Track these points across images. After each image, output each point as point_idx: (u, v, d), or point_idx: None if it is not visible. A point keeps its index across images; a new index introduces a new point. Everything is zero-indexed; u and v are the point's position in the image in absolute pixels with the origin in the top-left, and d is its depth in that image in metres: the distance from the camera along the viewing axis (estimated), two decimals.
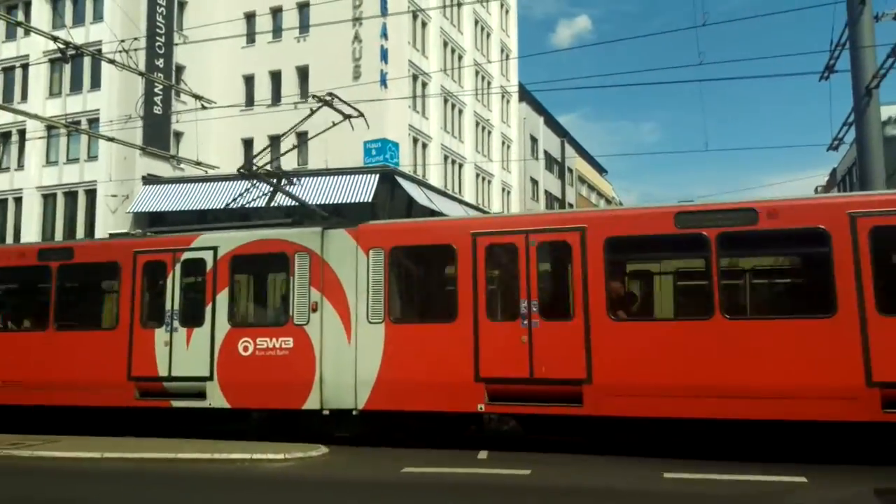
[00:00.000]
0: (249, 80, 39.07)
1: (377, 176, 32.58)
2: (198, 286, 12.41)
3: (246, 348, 11.84)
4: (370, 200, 31.25)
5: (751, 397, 9.51)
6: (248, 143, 38.36)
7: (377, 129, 34.86)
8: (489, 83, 50.01)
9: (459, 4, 44.97)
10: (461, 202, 41.73)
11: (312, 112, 13.64)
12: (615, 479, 9.02)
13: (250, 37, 39.17)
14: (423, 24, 40.56)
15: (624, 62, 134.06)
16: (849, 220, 9.51)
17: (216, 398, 11.92)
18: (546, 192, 57.44)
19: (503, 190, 52.26)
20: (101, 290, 13.76)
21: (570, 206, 58.30)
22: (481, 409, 10.66)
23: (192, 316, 12.24)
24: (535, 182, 55.84)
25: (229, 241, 12.31)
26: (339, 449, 11.10)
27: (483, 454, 10.64)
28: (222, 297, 12.09)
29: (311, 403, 11.44)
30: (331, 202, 31.17)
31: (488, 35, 50.79)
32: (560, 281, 11.09)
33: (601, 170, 77.26)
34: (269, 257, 12.18)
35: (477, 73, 47.73)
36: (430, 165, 40.07)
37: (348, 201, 31.22)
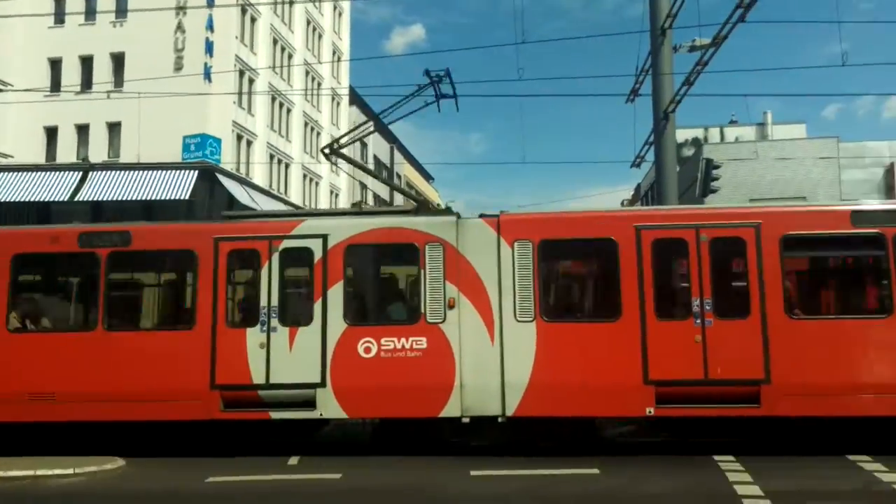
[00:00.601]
0: (56, 64, 35.86)
1: (196, 172, 31.04)
2: (302, 279, 10.90)
3: (368, 349, 10.38)
4: (187, 198, 29.71)
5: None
6: (51, 132, 35.24)
7: (198, 123, 33.35)
8: (319, 84, 49.37)
9: (291, 3, 44.07)
10: (286, 202, 40.84)
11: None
12: (423, 479, 9.11)
13: (59, 16, 36.04)
14: (253, 20, 39.28)
15: (456, 73, 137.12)
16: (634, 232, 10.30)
17: (329, 407, 10.34)
18: (375, 196, 57.61)
19: (331, 192, 51.78)
20: (168, 282, 11.97)
21: None
22: (650, 412, 10.04)
23: (295, 313, 10.72)
24: (364, 186, 55.84)
25: (343, 228, 10.78)
26: (141, 461, 10.32)
27: (294, 460, 10.32)
28: (335, 292, 10.54)
29: (450, 410, 10.21)
30: (144, 198, 29.38)
31: (320, 36, 50.17)
32: (734, 278, 10.76)
33: (428, 177, 78.74)
34: (393, 247, 10.94)
35: (307, 73, 46.97)
36: (255, 164, 38.83)
37: (164, 197, 29.50)
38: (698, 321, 10.05)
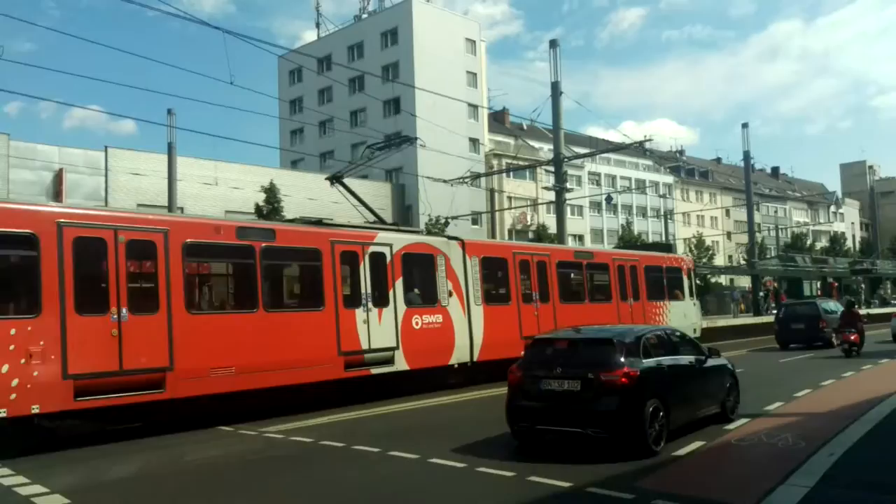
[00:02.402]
0: None
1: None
2: (382, 274, 14.92)
3: (417, 323, 15.46)
4: None
5: None
6: None
7: None
8: None
9: None
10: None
11: None
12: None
13: None
14: None
15: None
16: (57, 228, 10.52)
17: (400, 363, 14.94)
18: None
19: None
20: (300, 272, 14.87)
21: None
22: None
23: (380, 298, 14.75)
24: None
25: (399, 241, 15.63)
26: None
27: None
28: (399, 284, 15.20)
29: (451, 360, 16.15)
30: None
31: None
32: (147, 278, 11.75)
33: None
34: (423, 256, 16.06)
35: None
36: None
37: None
38: (115, 317, 10.87)
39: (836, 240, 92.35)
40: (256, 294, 12.81)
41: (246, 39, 17.51)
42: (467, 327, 16.51)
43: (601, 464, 8.34)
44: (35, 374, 9.89)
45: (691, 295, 25.04)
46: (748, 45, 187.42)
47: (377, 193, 54.78)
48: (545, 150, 61.10)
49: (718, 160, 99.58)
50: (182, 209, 34.52)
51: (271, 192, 40.03)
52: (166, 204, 32.45)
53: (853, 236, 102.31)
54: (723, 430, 10.09)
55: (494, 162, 60.90)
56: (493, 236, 37.91)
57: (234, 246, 12.75)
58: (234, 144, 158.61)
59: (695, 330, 23.48)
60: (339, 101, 61.07)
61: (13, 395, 9.71)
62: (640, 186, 73.73)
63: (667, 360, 9.58)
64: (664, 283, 23.50)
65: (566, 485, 7.34)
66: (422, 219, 45.66)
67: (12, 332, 9.84)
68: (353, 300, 14.31)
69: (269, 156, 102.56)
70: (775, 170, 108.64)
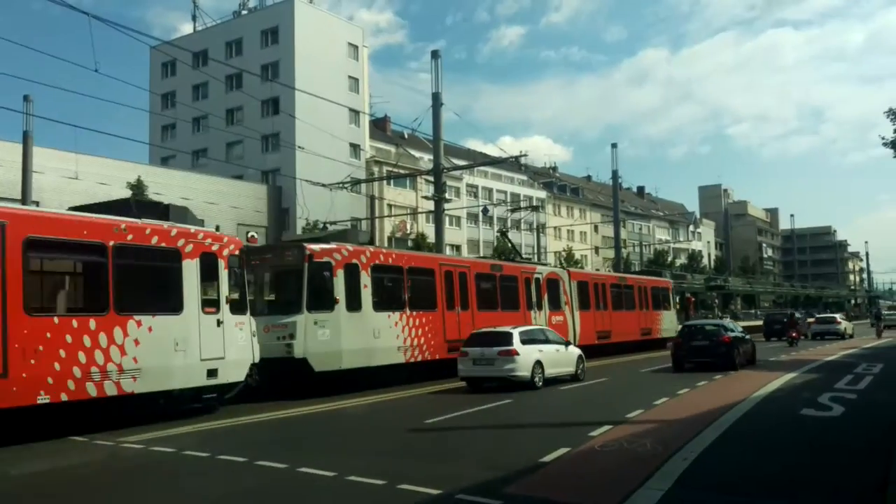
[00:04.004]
0: None
1: None
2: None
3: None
4: None
5: None
6: None
7: None
8: None
9: None
10: None
11: None
12: None
13: None
14: None
15: None
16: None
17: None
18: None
19: None
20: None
21: None
22: None
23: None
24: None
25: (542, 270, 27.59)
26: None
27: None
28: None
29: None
30: None
31: None
32: None
33: None
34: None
35: None
36: None
37: None
38: None
39: (694, 257, 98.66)
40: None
41: (114, 26, 16.49)
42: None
43: (471, 470, 8.42)
44: None
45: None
46: (620, 69, 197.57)
47: (252, 195, 53.35)
48: (425, 159, 61.51)
49: (589, 178, 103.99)
50: (38, 203, 32.18)
51: (139, 188, 38.10)
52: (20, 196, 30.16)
53: (709, 254, 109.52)
54: (587, 436, 10.43)
55: (375, 169, 60.72)
56: (373, 244, 37.75)
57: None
58: (99, 137, 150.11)
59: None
60: (214, 97, 59.01)
61: None
62: (515, 200, 75.76)
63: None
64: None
65: (436, 492, 7.34)
66: (299, 223, 44.82)
67: None
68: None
69: (139, 151, 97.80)
70: (641, 189, 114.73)
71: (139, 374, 12.01)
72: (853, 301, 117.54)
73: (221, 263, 13.75)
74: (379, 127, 69.65)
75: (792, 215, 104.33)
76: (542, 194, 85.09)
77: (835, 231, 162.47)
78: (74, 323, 11.31)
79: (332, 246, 17.74)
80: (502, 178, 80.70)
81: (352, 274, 17.76)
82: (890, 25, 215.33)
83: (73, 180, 39.41)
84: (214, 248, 13.67)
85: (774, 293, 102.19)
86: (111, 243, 11.89)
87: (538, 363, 17.44)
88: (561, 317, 27.14)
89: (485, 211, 55.11)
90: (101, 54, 62.51)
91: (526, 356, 17.20)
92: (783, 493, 7.53)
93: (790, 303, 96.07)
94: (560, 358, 18.69)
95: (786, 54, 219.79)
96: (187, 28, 71.50)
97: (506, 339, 17.33)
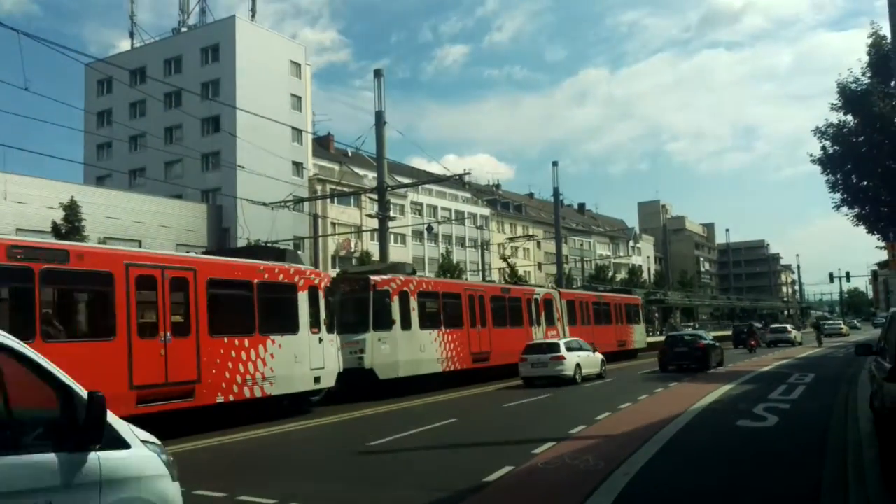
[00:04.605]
0: None
1: None
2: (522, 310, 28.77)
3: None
4: None
5: None
6: None
7: None
8: None
9: None
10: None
11: None
12: None
13: None
14: None
15: None
16: None
17: None
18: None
19: None
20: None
21: None
22: None
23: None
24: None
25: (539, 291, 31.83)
26: None
27: None
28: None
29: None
30: None
31: None
32: None
33: None
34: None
35: None
36: None
37: None
38: None
39: (634, 272, 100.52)
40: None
41: (45, 43, 15.92)
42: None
43: (415, 491, 8.39)
44: None
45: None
46: (561, 88, 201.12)
47: (191, 214, 52.33)
48: (370, 177, 61.42)
49: (531, 195, 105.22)
50: None
51: (71, 209, 36.96)
52: None
53: (648, 269, 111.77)
54: (530, 454, 10.49)
55: (318, 187, 60.30)
56: (316, 263, 37.46)
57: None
58: (29, 156, 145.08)
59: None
60: (152, 115, 57.77)
61: None
62: (460, 217, 76.12)
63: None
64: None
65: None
66: (240, 242, 44.10)
67: None
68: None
69: (75, 171, 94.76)
70: (581, 206, 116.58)
71: (274, 380, 15.47)
72: (786, 312, 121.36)
73: (320, 294, 17.30)
74: (322, 145, 69.22)
75: (727, 230, 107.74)
76: (486, 211, 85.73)
77: (768, 245, 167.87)
78: (236, 342, 14.79)
79: (389, 277, 21.75)
80: (447, 196, 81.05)
81: (404, 299, 21.70)
82: (816, 47, 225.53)
83: (1, 201, 38.08)
84: (316, 281, 17.35)
85: (712, 306, 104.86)
86: (255, 281, 15.48)
87: (578, 365, 23.17)
88: (554, 331, 30.65)
89: (429, 229, 55.14)
90: (34, 72, 60.58)
91: (570, 360, 22.93)
92: None
93: (727, 315, 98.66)
94: (590, 361, 24.51)
95: (719, 74, 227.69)
96: (125, 45, 70.13)
97: (556, 347, 23.09)
